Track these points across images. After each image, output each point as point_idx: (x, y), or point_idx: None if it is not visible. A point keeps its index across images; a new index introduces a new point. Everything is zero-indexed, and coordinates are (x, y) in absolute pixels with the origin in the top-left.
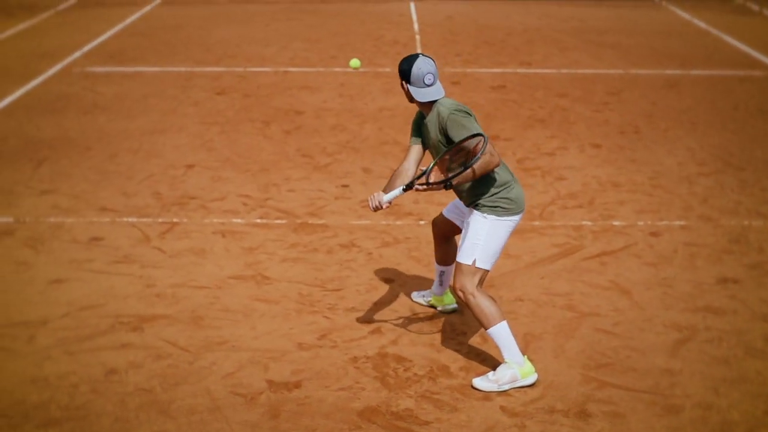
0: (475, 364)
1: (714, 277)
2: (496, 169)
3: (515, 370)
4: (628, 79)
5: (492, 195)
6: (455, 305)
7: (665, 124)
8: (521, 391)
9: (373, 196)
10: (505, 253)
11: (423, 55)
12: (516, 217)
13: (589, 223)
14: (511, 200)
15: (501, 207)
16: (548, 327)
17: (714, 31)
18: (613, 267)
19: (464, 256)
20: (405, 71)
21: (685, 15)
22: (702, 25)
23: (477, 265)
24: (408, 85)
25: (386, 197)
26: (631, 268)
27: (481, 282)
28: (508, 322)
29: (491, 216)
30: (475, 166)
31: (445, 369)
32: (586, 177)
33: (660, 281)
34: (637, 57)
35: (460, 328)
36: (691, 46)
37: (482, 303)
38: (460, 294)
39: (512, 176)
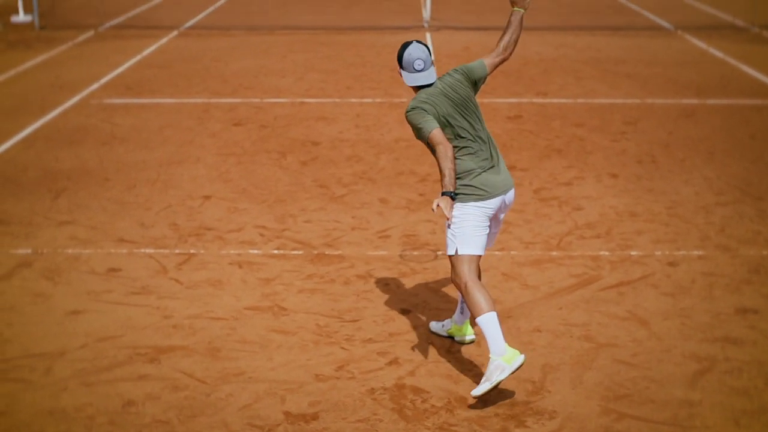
0: (492, 395)
1: (733, 307)
2: (458, 161)
3: (499, 360)
4: (645, 108)
5: (459, 185)
6: (473, 336)
7: (682, 154)
8: (539, 423)
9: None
10: (523, 283)
11: (417, 41)
12: (483, 203)
13: (607, 253)
14: (474, 187)
15: (463, 194)
16: (566, 358)
17: (730, 60)
18: (631, 297)
19: (448, 249)
20: (398, 56)
21: (701, 44)
22: (718, 54)
23: (460, 252)
24: (400, 69)
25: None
26: (649, 299)
27: (475, 269)
28: (497, 314)
29: (458, 203)
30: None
31: (462, 400)
32: (604, 207)
33: (678, 311)
34: (654, 86)
35: (477, 359)
36: (708, 75)
37: (473, 292)
38: (457, 286)
39: (481, 164)
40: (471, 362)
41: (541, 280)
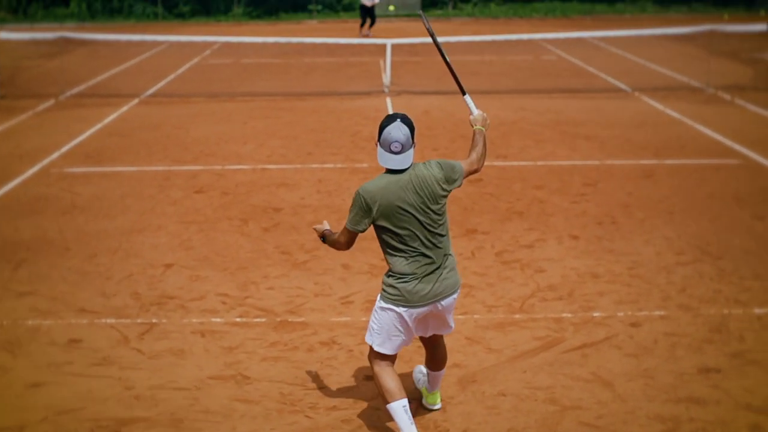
0: None
1: (695, 366)
2: (392, 259)
3: None
4: (604, 169)
5: (385, 281)
6: (439, 405)
7: (642, 214)
8: None
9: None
10: (486, 347)
11: (402, 120)
12: (400, 309)
13: (570, 315)
14: (397, 290)
15: (387, 293)
16: (531, 422)
17: (687, 121)
18: (595, 359)
19: (366, 335)
20: (379, 128)
21: (658, 105)
22: (675, 115)
23: (373, 347)
24: (377, 143)
25: (474, 111)
26: (613, 360)
27: (387, 359)
28: (408, 400)
29: (380, 299)
30: None
31: None
32: (565, 269)
33: (642, 372)
34: (613, 147)
35: (442, 425)
36: (665, 135)
37: (381, 380)
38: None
39: (415, 271)
40: (437, 428)
41: (504, 344)
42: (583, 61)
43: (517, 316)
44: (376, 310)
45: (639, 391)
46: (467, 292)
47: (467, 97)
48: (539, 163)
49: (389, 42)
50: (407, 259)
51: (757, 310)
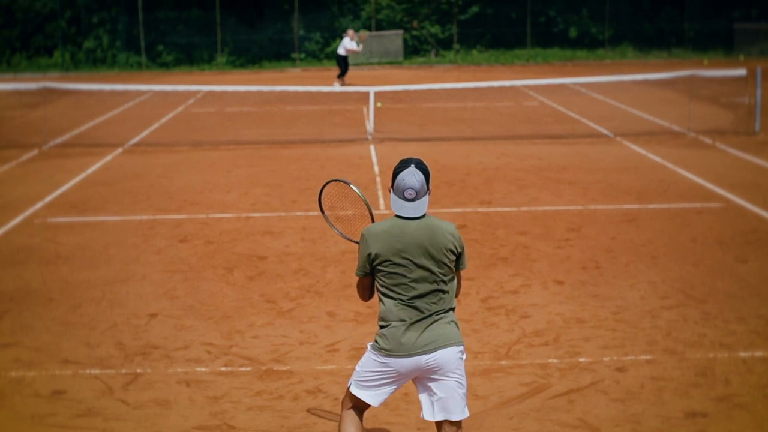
0: None
1: (682, 411)
2: (381, 306)
3: None
4: (587, 214)
5: (379, 324)
6: None
7: (626, 259)
8: None
9: None
10: (473, 393)
11: (416, 166)
12: (385, 359)
13: (556, 360)
14: (382, 337)
15: (376, 341)
16: None
17: (669, 165)
18: (581, 404)
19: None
20: (393, 174)
21: (640, 150)
22: (657, 159)
23: (350, 388)
24: (391, 189)
25: None
26: (599, 405)
27: (358, 405)
28: None
29: (369, 345)
30: None
31: None
32: (551, 314)
33: (628, 417)
34: (595, 192)
35: None
36: (647, 180)
37: (341, 425)
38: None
39: (402, 317)
40: None
41: (491, 390)
42: (565, 107)
43: (503, 362)
44: (363, 357)
45: None
46: None
47: None
48: (523, 208)
49: (372, 89)
50: (397, 307)
51: (743, 354)
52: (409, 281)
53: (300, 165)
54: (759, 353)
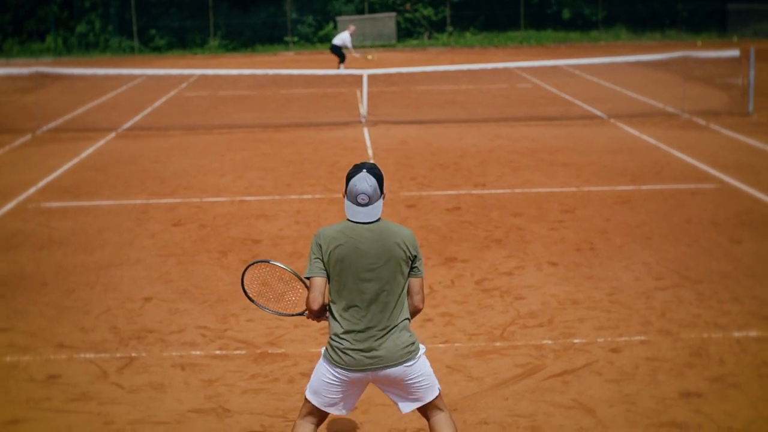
0: None
1: (677, 391)
2: (329, 315)
3: None
4: (582, 196)
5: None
6: None
7: (620, 240)
8: None
9: None
10: (468, 375)
11: (368, 171)
12: (333, 370)
13: (550, 342)
14: (331, 347)
15: (326, 351)
16: None
17: (663, 147)
18: (576, 385)
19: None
20: (346, 180)
21: (634, 131)
22: (651, 140)
23: (306, 393)
24: (344, 194)
25: None
26: (594, 386)
27: (313, 412)
28: None
29: (323, 350)
30: None
31: None
32: (545, 295)
33: (623, 398)
34: (590, 174)
35: None
36: (642, 161)
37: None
38: None
39: (352, 328)
40: None
41: (486, 372)
42: (559, 89)
43: (497, 343)
44: (316, 366)
45: (621, 417)
46: (447, 321)
47: None
48: (517, 190)
49: (366, 72)
50: (343, 316)
51: (737, 334)
52: (356, 288)
53: (294, 148)
54: (753, 333)
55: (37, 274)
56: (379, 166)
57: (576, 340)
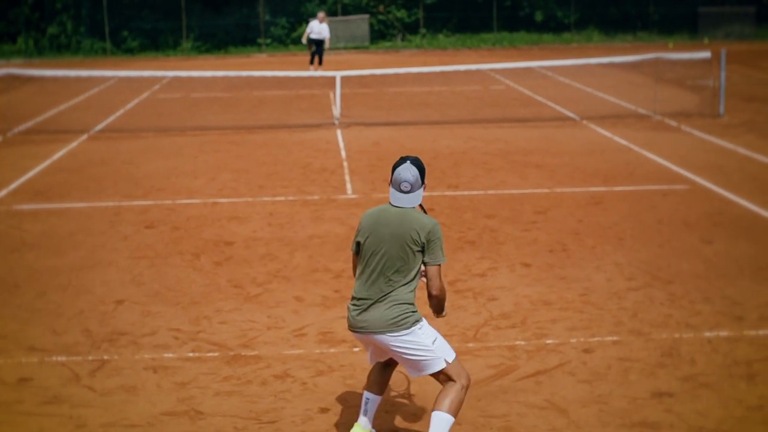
0: None
1: (648, 391)
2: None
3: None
4: (554, 197)
5: None
6: None
7: (592, 241)
8: None
9: None
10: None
11: (412, 162)
12: (349, 327)
13: (523, 342)
14: (348, 311)
15: None
16: None
17: (635, 148)
18: (548, 386)
19: None
20: (392, 170)
21: (606, 133)
22: (623, 142)
23: None
24: (390, 183)
25: None
26: (566, 387)
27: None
28: (373, 396)
29: None
30: None
31: None
32: (518, 297)
33: (595, 398)
34: (562, 175)
35: None
36: (614, 162)
37: None
38: None
39: (358, 294)
40: None
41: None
42: (532, 91)
43: (470, 344)
44: None
45: (593, 417)
46: None
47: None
48: (490, 192)
49: (338, 74)
50: (357, 284)
51: (708, 334)
52: (370, 261)
53: (267, 150)
54: (724, 333)
55: (8, 276)
56: (421, 159)
57: (548, 341)
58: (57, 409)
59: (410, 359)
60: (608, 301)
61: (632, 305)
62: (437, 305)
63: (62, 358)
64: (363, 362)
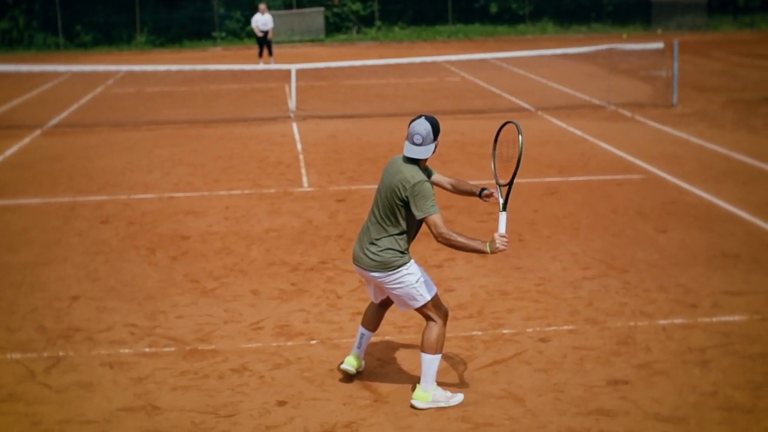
0: None
1: (604, 379)
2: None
3: None
4: None
5: None
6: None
7: (548, 231)
8: None
9: (503, 240)
10: (398, 367)
11: (426, 118)
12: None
13: (480, 332)
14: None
15: None
16: None
17: (589, 138)
18: (505, 375)
19: None
20: (408, 125)
21: (561, 124)
22: (578, 132)
23: None
24: (406, 138)
25: (501, 229)
26: (523, 376)
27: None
28: (366, 331)
29: None
30: None
31: None
32: (474, 287)
33: (552, 387)
34: None
35: None
36: (569, 153)
37: None
38: None
39: (359, 234)
40: None
41: (416, 364)
42: (487, 82)
43: None
44: None
45: (549, 406)
46: None
47: (503, 215)
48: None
49: (294, 67)
50: (366, 221)
51: (662, 321)
52: (374, 204)
53: (223, 144)
54: (678, 320)
55: None
56: (437, 118)
57: (505, 331)
58: (12, 407)
59: (396, 295)
60: (564, 291)
61: (588, 294)
62: (456, 248)
63: (17, 356)
64: (320, 355)
